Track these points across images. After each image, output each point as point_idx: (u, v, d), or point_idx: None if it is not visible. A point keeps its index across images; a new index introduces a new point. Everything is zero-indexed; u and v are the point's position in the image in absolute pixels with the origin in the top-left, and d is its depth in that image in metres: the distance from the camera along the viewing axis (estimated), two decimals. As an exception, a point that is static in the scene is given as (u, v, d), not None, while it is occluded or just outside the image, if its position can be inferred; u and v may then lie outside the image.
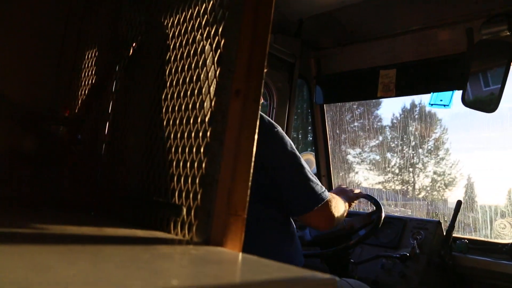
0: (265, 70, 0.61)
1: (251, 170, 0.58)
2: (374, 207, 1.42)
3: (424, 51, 1.75)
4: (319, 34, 2.05)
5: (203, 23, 0.70)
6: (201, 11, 0.71)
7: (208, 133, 0.63)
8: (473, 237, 1.68)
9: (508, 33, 1.40)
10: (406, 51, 1.81)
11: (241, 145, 0.58)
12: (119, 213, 0.77)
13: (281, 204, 1.02)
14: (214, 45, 0.67)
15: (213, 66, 0.66)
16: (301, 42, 2.02)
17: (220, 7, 0.67)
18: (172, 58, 0.75)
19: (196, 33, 0.71)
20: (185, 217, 0.63)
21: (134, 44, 0.85)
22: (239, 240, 0.57)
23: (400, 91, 1.80)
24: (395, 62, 1.84)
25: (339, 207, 1.12)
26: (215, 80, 0.65)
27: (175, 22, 0.76)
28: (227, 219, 0.56)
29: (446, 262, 1.52)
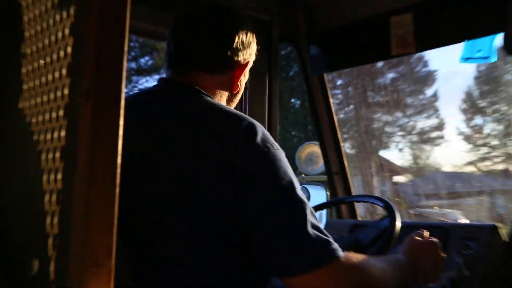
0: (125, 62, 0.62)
1: (115, 204, 0.59)
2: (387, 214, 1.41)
3: (450, -18, 1.72)
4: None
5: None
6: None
7: (58, 153, 0.64)
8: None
9: None
10: (426, -16, 1.79)
11: (95, 167, 0.59)
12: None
13: (256, 254, 0.96)
14: (67, 31, 0.68)
15: (65, 60, 0.67)
16: (278, -9, 2.02)
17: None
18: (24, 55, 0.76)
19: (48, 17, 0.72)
20: (51, 273, 0.65)
21: None
22: (105, 298, 0.58)
23: (422, 44, 1.79)
24: (410, 2, 1.82)
25: (373, 274, 1.00)
26: (69, 79, 0.66)
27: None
28: (84, 271, 0.58)
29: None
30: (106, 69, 0.61)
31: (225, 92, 1.21)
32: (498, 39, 1.62)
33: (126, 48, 0.63)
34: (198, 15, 1.20)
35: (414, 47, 1.79)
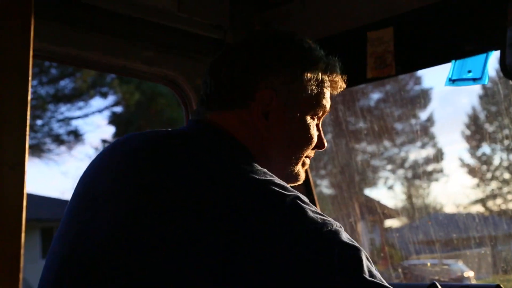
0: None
1: None
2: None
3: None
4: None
5: None
6: None
7: None
8: None
9: None
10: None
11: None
12: None
13: None
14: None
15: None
16: (231, 2, 2.06)
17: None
18: None
19: None
20: None
21: None
22: None
23: (404, 65, 1.84)
24: (391, 14, 1.88)
25: None
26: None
27: None
28: None
29: None
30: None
31: (259, 141, 1.20)
32: (492, 58, 1.69)
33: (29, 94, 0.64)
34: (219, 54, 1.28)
35: (393, 69, 1.85)
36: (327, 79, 1.28)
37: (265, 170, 1.07)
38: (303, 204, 0.99)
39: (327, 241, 0.97)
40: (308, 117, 1.25)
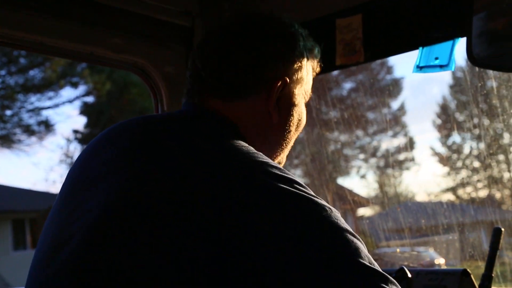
0: None
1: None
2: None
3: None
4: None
5: None
6: None
7: None
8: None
9: None
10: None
11: None
12: None
13: None
14: None
15: None
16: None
17: None
18: None
19: None
20: None
21: None
22: None
23: (373, 52, 1.85)
24: (360, 2, 1.89)
25: None
26: None
27: None
28: None
29: None
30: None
31: (263, 129, 1.21)
32: (459, 46, 1.70)
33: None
34: (217, 32, 1.25)
35: (362, 55, 1.85)
36: (315, 64, 1.33)
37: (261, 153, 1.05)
38: (302, 189, 0.98)
39: (329, 224, 0.95)
40: (303, 102, 1.29)
